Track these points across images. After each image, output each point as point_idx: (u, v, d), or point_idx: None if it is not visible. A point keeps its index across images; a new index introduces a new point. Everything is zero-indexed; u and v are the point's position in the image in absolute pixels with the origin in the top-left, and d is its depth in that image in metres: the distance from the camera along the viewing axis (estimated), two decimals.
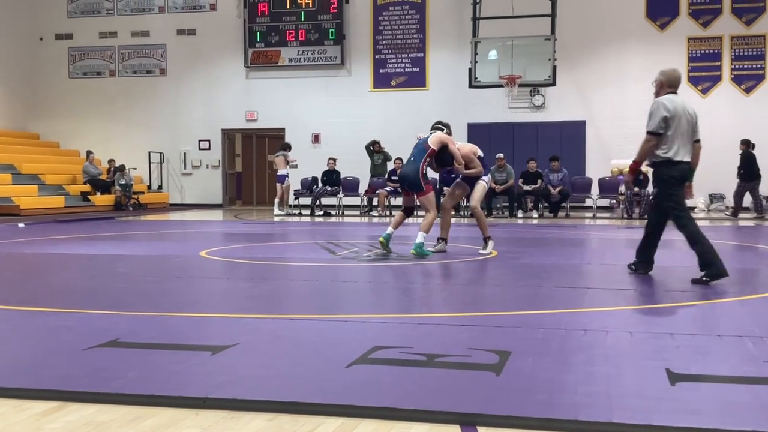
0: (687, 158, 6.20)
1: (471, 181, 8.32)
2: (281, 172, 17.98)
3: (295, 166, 18.83)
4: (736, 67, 18.85)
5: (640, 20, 19.29)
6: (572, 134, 19.41)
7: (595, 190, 17.73)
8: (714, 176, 18.43)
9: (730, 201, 18.33)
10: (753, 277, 6.72)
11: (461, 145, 8.33)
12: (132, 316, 4.48)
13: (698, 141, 6.40)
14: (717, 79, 18.94)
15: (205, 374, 3.15)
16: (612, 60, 19.35)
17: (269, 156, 23.67)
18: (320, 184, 18.38)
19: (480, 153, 8.33)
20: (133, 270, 7.01)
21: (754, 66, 18.74)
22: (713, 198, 18.61)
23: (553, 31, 17.42)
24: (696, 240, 6.03)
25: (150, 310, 4.70)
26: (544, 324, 4.21)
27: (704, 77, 18.99)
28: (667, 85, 6.23)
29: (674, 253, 9.22)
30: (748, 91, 18.63)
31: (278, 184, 18.03)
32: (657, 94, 6.28)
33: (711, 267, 5.83)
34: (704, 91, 18.98)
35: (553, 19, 17.56)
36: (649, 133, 6.09)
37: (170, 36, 22.05)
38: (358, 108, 20.72)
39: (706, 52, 19.01)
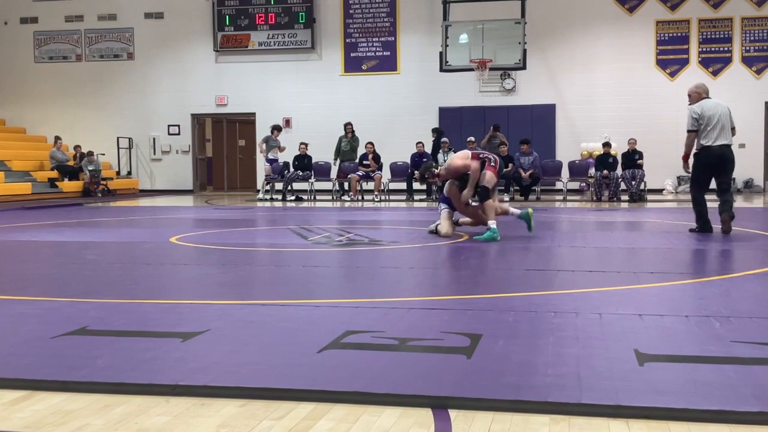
0: (726, 141, 8.30)
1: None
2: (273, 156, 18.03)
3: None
4: (704, 50, 19.04)
5: (608, 4, 19.39)
6: (542, 118, 19.52)
7: (565, 173, 17.86)
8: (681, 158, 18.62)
9: None
10: (719, 258, 6.82)
11: (456, 162, 8.21)
12: (101, 303, 4.44)
13: (733, 128, 8.47)
14: (685, 62, 19.12)
15: (175, 361, 3.13)
16: (581, 43, 19.45)
17: (240, 141, 23.54)
18: (291, 169, 18.31)
19: (473, 156, 8.18)
20: (102, 257, 6.95)
21: (722, 49, 18.94)
22: (681, 180, 18.81)
23: (523, 15, 17.46)
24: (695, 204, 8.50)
25: (119, 297, 4.66)
26: (515, 307, 4.23)
27: (672, 60, 19.16)
28: (704, 93, 8.50)
29: (643, 235, 9.33)
30: (715, 74, 18.83)
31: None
32: (693, 103, 8.46)
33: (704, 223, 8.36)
34: (672, 74, 19.15)
35: (522, 3, 17.59)
36: (688, 131, 8.44)
37: (138, 19, 21.77)
38: (330, 92, 20.64)
39: (674, 35, 19.17)
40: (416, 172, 17.29)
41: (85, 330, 3.71)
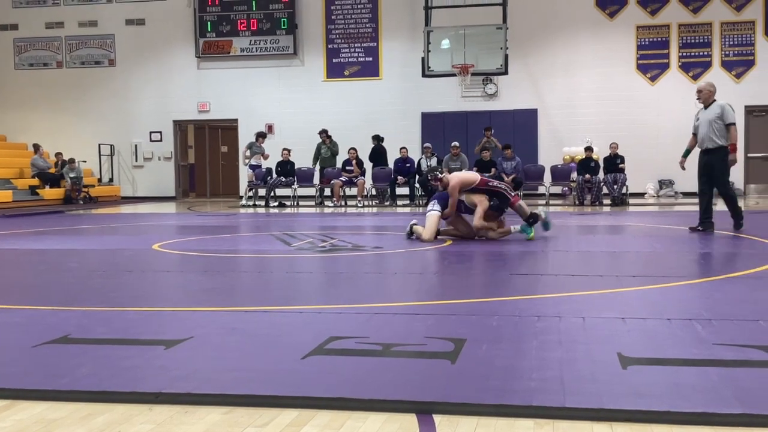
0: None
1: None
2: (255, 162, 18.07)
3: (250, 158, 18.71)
4: (684, 54, 19.20)
5: (589, 9, 19.52)
6: (525, 122, 19.60)
7: (547, 177, 17.93)
8: (662, 162, 18.82)
9: (679, 187, 18.72)
10: (701, 261, 6.86)
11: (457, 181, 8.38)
12: (83, 311, 4.41)
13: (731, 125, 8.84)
14: (665, 67, 19.27)
15: (158, 369, 3.11)
16: (562, 49, 19.56)
17: (222, 147, 23.47)
18: (274, 175, 18.27)
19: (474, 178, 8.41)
20: (84, 264, 6.90)
21: (701, 53, 19.10)
22: (662, 184, 18.95)
23: (504, 20, 17.52)
24: (733, 201, 8.97)
25: (101, 305, 4.63)
26: (499, 311, 4.24)
27: (653, 65, 19.31)
28: (714, 93, 8.88)
29: (626, 239, 9.39)
30: (695, 78, 18.98)
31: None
32: (707, 100, 8.85)
33: (736, 218, 8.92)
34: (653, 79, 19.30)
35: (504, 8, 17.66)
36: (734, 123, 8.74)
37: (119, 26, 21.67)
38: (312, 98, 20.63)
39: (655, 40, 19.32)
40: (400, 177, 17.39)
41: (67, 338, 3.68)
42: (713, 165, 8.77)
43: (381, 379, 2.93)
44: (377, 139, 18.22)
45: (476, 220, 8.16)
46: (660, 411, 2.51)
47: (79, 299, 4.93)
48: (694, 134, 9.01)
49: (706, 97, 8.85)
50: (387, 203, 17.42)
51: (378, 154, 18.25)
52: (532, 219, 8.23)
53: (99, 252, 8.05)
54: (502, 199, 8.25)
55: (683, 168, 9.20)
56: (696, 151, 9.05)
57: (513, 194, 8.34)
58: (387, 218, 13.11)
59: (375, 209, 15.93)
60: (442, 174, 8.54)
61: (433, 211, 8.23)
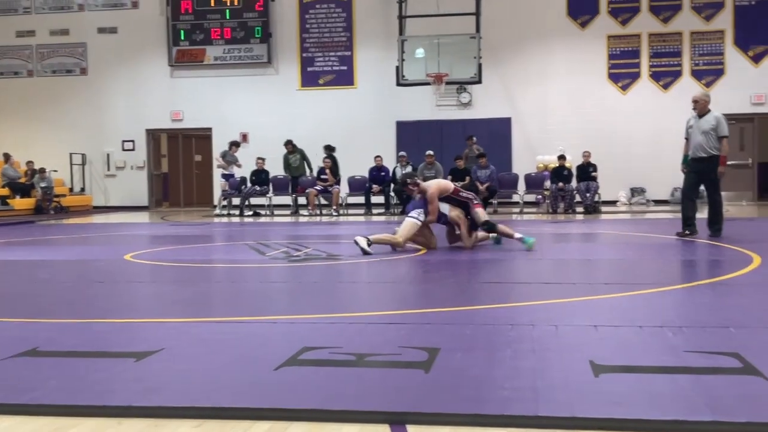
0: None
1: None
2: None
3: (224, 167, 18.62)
4: (654, 64, 19.42)
5: (561, 19, 19.69)
6: (499, 131, 19.70)
7: (521, 185, 18.04)
8: (634, 171, 19.02)
9: (650, 194, 18.91)
10: (672, 269, 6.93)
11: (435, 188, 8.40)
12: (52, 323, 4.35)
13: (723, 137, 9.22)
14: (636, 76, 19.48)
15: (128, 382, 3.08)
16: (535, 58, 19.70)
17: (196, 156, 23.34)
18: (249, 184, 18.20)
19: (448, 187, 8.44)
20: (54, 276, 6.81)
21: (672, 63, 19.33)
22: (634, 191, 19.13)
23: (478, 30, 17.63)
24: (719, 207, 9.24)
25: (71, 316, 4.57)
26: (473, 320, 4.25)
27: (624, 74, 19.51)
28: (709, 103, 9.24)
29: (598, 247, 9.45)
30: (665, 87, 19.21)
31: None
32: (703, 109, 9.19)
33: (717, 223, 9.19)
34: (624, 88, 19.49)
35: (477, 18, 17.77)
36: (727, 136, 9.08)
37: (91, 34, 21.51)
38: (287, 107, 20.60)
39: (626, 49, 19.53)
40: (375, 186, 17.39)
41: (36, 351, 3.63)
42: (707, 172, 9.14)
43: (354, 389, 2.92)
44: (329, 149, 18.18)
45: (466, 241, 8.28)
46: (632, 419, 2.52)
47: (49, 311, 4.87)
48: (687, 139, 9.43)
49: (702, 107, 9.23)
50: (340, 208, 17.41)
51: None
52: (486, 226, 8.24)
53: (70, 263, 7.96)
54: (465, 208, 8.34)
55: (684, 173, 9.59)
56: (675, 157, 9.37)
57: (476, 202, 8.36)
58: (362, 227, 13.09)
59: (350, 218, 15.90)
60: (418, 180, 8.57)
61: (412, 217, 8.19)
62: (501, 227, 8.36)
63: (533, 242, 8.06)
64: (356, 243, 7.92)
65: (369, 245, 7.89)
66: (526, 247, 8.01)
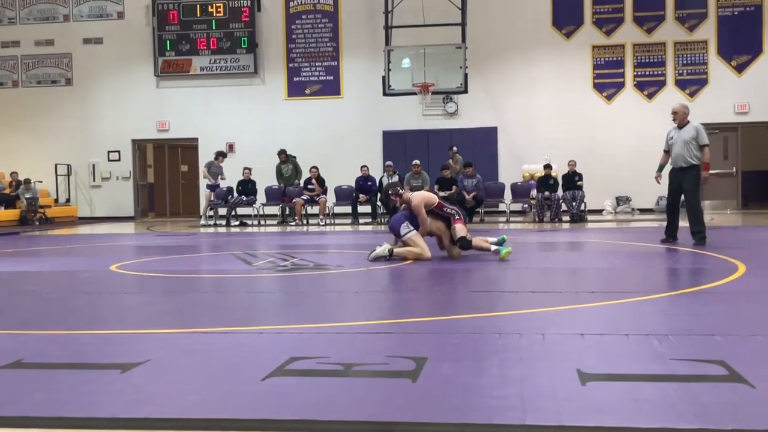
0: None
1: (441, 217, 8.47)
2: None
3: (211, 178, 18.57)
4: (639, 73, 19.56)
5: (546, 29, 19.81)
6: (485, 140, 19.77)
7: (507, 194, 18.09)
8: (619, 179, 19.12)
9: (636, 203, 19.01)
10: (658, 277, 6.96)
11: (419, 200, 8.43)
12: (37, 335, 4.32)
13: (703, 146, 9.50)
14: (621, 86, 19.61)
15: (114, 393, 3.06)
16: (521, 68, 19.81)
17: (183, 166, 23.28)
18: (235, 194, 18.16)
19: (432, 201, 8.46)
20: (40, 287, 6.77)
21: (656, 72, 19.48)
22: (619, 200, 19.23)
23: (463, 40, 17.71)
24: (700, 215, 9.49)
25: (57, 328, 4.54)
26: (460, 329, 4.25)
27: (608, 84, 19.64)
28: (688, 114, 9.60)
29: (584, 255, 9.49)
30: (650, 96, 19.35)
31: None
32: (682, 121, 9.52)
33: (700, 231, 9.39)
34: (609, 98, 19.62)
35: (463, 28, 17.86)
36: (708, 144, 9.39)
37: (76, 45, 21.45)
38: (273, 117, 20.60)
39: (610, 59, 19.66)
40: (362, 195, 17.40)
41: (21, 363, 3.60)
42: (687, 181, 9.43)
43: (342, 399, 2.91)
44: (285, 155, 18.23)
45: (452, 252, 8.32)
46: (619, 427, 2.53)
47: (34, 323, 4.83)
48: (666, 151, 9.71)
49: (681, 119, 9.56)
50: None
51: (279, 172, 18.41)
52: (461, 243, 8.23)
53: (55, 274, 7.91)
54: (447, 221, 8.38)
55: (659, 182, 10.19)
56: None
57: (457, 218, 8.37)
58: (349, 237, 13.09)
59: (336, 228, 15.89)
60: (402, 190, 8.59)
61: (411, 231, 8.25)
62: (476, 242, 8.31)
63: (508, 252, 8.06)
64: (374, 253, 8.16)
65: (389, 257, 8.14)
66: (500, 258, 8.01)
